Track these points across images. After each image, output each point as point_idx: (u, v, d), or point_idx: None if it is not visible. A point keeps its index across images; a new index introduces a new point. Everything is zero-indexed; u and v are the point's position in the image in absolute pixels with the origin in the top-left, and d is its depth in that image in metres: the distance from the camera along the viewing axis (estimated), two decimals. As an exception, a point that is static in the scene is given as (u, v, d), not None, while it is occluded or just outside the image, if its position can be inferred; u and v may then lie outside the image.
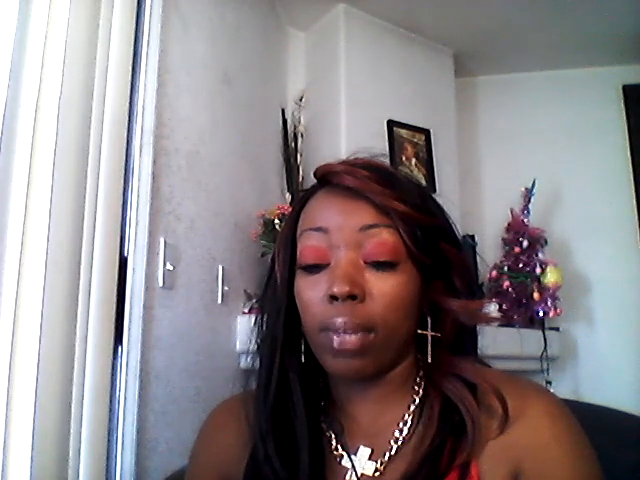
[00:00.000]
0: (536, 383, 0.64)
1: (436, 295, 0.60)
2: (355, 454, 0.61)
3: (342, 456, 0.61)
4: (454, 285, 0.61)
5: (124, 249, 1.09)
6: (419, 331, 0.61)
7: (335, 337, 0.56)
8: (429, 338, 0.60)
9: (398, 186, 0.60)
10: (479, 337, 0.65)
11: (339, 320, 0.56)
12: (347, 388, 0.63)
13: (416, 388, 0.62)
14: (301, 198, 0.65)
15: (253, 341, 0.66)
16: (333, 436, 0.63)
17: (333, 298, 0.56)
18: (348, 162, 0.62)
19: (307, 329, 0.60)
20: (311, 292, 0.59)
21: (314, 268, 0.59)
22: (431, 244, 0.60)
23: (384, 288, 0.57)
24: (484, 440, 0.56)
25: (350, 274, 0.56)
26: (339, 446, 0.62)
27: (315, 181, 0.65)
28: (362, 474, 0.59)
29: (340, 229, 0.58)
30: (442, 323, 0.61)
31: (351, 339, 0.56)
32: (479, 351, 0.65)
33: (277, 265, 0.64)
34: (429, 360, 0.60)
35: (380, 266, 0.57)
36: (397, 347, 0.60)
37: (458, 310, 0.59)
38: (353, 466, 0.59)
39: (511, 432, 0.56)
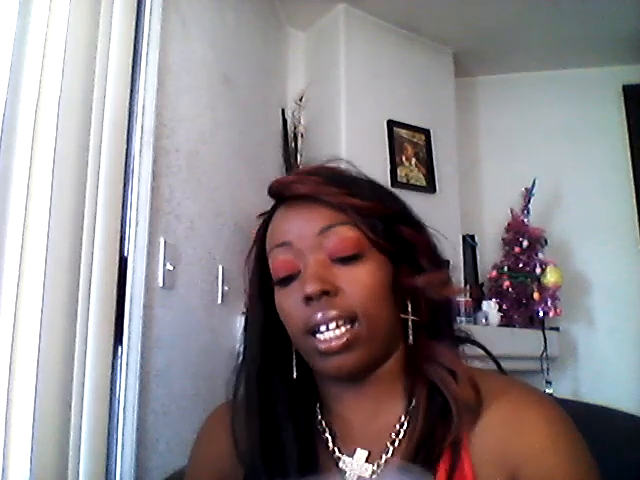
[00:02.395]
0: (533, 387, 0.64)
1: (402, 277, 0.61)
2: (352, 456, 0.61)
3: (339, 458, 0.61)
4: (421, 265, 0.62)
5: (124, 249, 1.09)
6: (402, 315, 0.62)
7: (319, 339, 0.57)
8: (410, 322, 0.61)
9: (349, 183, 0.63)
10: (474, 336, 0.66)
11: (318, 316, 0.57)
12: (339, 391, 0.63)
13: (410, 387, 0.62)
14: (263, 221, 0.68)
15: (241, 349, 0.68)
16: (330, 439, 0.63)
17: (308, 299, 0.57)
18: (297, 172, 0.66)
19: (293, 337, 0.62)
20: (289, 301, 0.61)
21: (287, 280, 0.61)
22: (391, 231, 0.62)
23: (353, 278, 0.59)
24: (465, 424, 0.56)
25: (319, 273, 0.58)
26: (336, 449, 0.62)
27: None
28: (359, 476, 0.59)
29: (301, 237, 0.60)
30: (419, 307, 0.62)
31: (335, 336, 0.57)
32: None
33: (249, 285, 0.68)
34: (410, 342, 0.61)
35: (346, 260, 0.59)
36: (384, 337, 0.60)
37: (423, 285, 0.61)
38: (349, 469, 0.60)
39: (508, 437, 0.56)
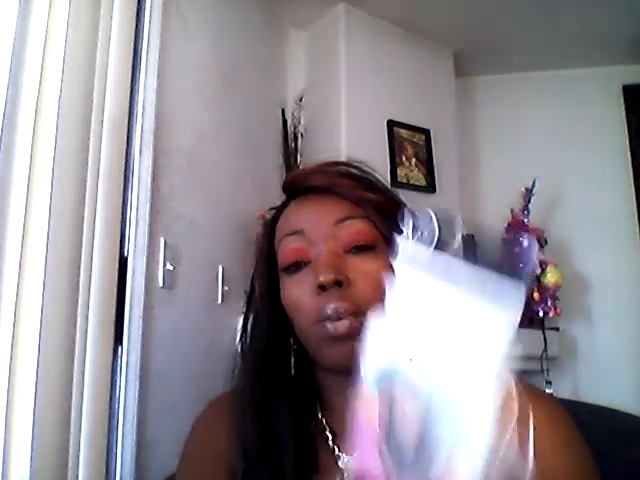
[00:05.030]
0: (534, 386, 0.63)
1: None
2: (352, 455, 0.60)
3: (339, 457, 0.61)
4: None
5: (124, 249, 1.09)
6: None
7: (330, 324, 0.57)
8: None
9: (365, 176, 0.64)
10: None
11: (331, 307, 0.57)
12: (341, 387, 0.63)
13: None
14: (273, 215, 0.68)
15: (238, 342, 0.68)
16: (330, 437, 0.62)
17: (321, 288, 0.57)
18: (312, 165, 0.66)
19: (301, 327, 0.61)
20: (298, 289, 0.60)
21: (296, 267, 0.61)
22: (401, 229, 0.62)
23: (367, 269, 0.59)
24: None
25: (333, 262, 0.58)
26: (336, 447, 0.62)
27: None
28: None
29: (315, 227, 0.60)
30: None
31: (345, 324, 0.56)
32: None
33: (256, 278, 0.67)
34: None
35: (360, 250, 0.60)
36: None
37: None
38: (348, 467, 0.59)
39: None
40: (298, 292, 0.60)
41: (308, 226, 0.61)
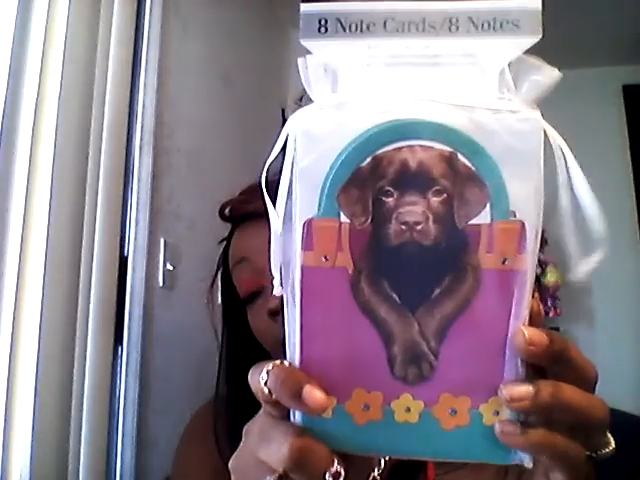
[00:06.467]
0: None
1: None
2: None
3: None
4: None
5: (124, 249, 1.09)
6: None
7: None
8: None
9: None
10: None
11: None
12: None
13: None
14: (224, 246, 0.69)
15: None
16: None
17: (273, 314, 0.57)
18: (244, 190, 0.66)
19: (269, 351, 0.62)
20: (257, 319, 0.61)
21: (252, 298, 0.62)
22: None
23: None
24: None
25: None
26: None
27: None
28: None
29: (259, 252, 0.59)
30: None
31: None
32: None
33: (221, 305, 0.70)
34: None
35: None
36: None
37: None
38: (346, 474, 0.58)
39: None
40: (256, 321, 0.61)
41: (251, 252, 0.60)
